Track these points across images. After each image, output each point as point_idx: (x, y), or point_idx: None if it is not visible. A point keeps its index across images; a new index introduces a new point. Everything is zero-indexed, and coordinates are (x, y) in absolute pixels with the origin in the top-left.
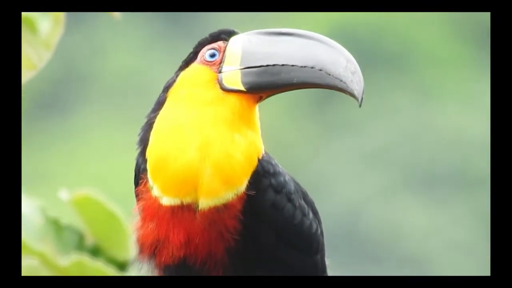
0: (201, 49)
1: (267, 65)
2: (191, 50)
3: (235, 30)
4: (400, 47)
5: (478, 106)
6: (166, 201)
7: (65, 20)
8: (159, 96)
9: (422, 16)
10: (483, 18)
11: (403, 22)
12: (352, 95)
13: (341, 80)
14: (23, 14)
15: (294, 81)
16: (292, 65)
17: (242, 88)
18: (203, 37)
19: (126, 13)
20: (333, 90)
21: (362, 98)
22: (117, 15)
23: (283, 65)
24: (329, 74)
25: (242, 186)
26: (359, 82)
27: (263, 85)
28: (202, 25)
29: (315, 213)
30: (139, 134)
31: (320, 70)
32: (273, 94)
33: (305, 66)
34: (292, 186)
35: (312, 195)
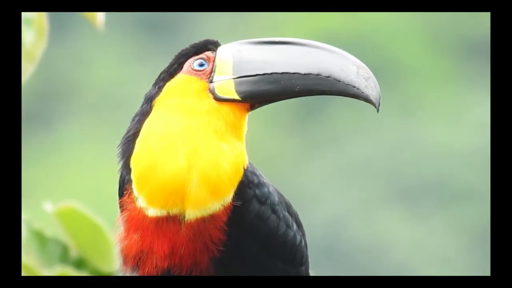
0: (185, 60)
1: (264, 74)
2: (170, 61)
3: (219, 41)
4: (381, 60)
5: (460, 119)
6: (152, 212)
7: (48, 32)
8: (142, 107)
9: (403, 27)
10: (465, 31)
11: (385, 35)
12: (368, 100)
13: (354, 86)
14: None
15: (297, 89)
16: (294, 73)
17: (236, 97)
18: (184, 48)
19: (108, 25)
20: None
21: (379, 103)
22: (100, 26)
23: (282, 73)
24: (339, 81)
25: (229, 196)
26: (374, 88)
27: (260, 94)
28: (183, 38)
29: (299, 225)
30: (121, 145)
31: (328, 77)
32: (270, 103)
33: (309, 74)
34: (276, 197)
35: (295, 207)
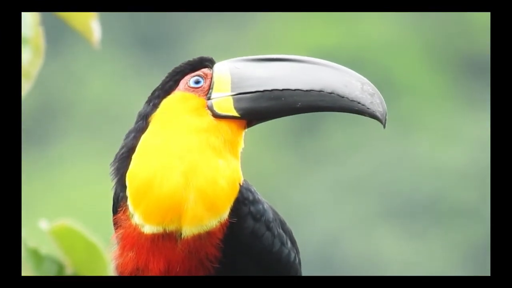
0: (181, 77)
1: (264, 90)
2: (164, 79)
3: (213, 58)
4: (377, 77)
5: (456, 137)
6: (148, 229)
7: (44, 51)
8: (137, 124)
9: (398, 44)
10: (463, 48)
11: (379, 50)
12: (374, 116)
13: (359, 102)
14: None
15: (298, 105)
16: (295, 89)
17: (235, 114)
18: (178, 65)
19: (104, 43)
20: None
21: (385, 119)
22: (96, 43)
23: (283, 89)
24: (343, 97)
25: (225, 213)
26: (379, 104)
27: (260, 110)
28: (178, 55)
29: (293, 242)
30: (114, 162)
31: (331, 93)
32: (269, 119)
33: (311, 90)
34: (270, 214)
35: (289, 224)
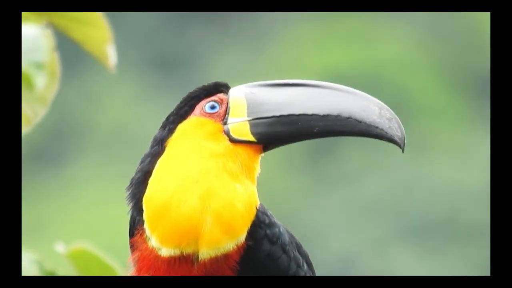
0: (196, 102)
1: (280, 115)
2: (179, 104)
3: (228, 83)
4: (392, 98)
5: (471, 156)
6: (165, 252)
7: (60, 75)
8: (153, 148)
9: (414, 65)
10: (477, 69)
11: (395, 72)
12: (392, 141)
13: (377, 127)
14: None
15: (315, 130)
16: (312, 114)
17: (252, 138)
18: (193, 90)
19: (120, 65)
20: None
21: (404, 144)
22: (111, 67)
23: (299, 114)
24: (360, 122)
25: (242, 236)
26: (398, 128)
27: (277, 135)
28: (194, 78)
29: (310, 264)
30: (130, 187)
31: (348, 118)
32: (285, 144)
33: (328, 115)
34: (286, 237)
35: (305, 246)
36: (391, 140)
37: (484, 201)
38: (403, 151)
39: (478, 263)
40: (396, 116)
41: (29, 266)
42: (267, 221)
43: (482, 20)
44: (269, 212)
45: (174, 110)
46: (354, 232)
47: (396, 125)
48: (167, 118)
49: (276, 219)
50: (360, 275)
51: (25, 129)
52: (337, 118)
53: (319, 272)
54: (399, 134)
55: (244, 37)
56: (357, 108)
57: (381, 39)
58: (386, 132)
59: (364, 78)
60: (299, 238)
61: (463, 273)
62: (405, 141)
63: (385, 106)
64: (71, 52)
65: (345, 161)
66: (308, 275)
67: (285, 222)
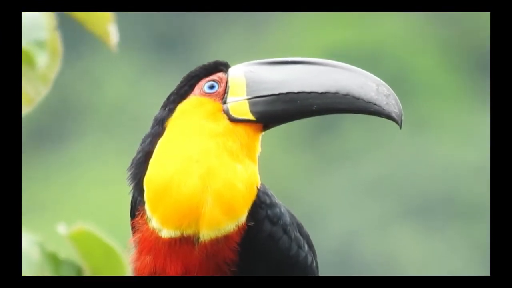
0: (196, 82)
1: (279, 94)
2: (179, 83)
3: (228, 62)
4: (394, 76)
5: (472, 135)
6: (166, 233)
7: (62, 54)
8: (153, 129)
9: (415, 44)
10: (479, 47)
11: (396, 51)
12: (390, 117)
13: (375, 104)
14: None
15: (314, 108)
16: (310, 92)
17: (252, 117)
18: (193, 69)
19: (121, 45)
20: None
21: (401, 120)
22: (113, 46)
23: (298, 92)
24: (358, 99)
25: (243, 217)
26: (395, 105)
27: (276, 114)
28: (195, 56)
29: (311, 245)
30: (131, 167)
31: (346, 95)
32: (285, 122)
33: (326, 92)
34: (287, 218)
35: (306, 226)
36: (388, 116)
37: (485, 179)
38: (400, 128)
39: (479, 241)
40: (394, 93)
41: (30, 248)
42: (268, 201)
43: None
44: (270, 192)
45: (174, 90)
46: (355, 211)
47: (393, 102)
48: (168, 98)
49: (277, 199)
50: (361, 254)
51: (26, 108)
52: (335, 96)
53: (319, 252)
54: (396, 110)
55: (245, 16)
56: (355, 85)
57: (381, 17)
58: (384, 109)
59: (364, 56)
60: (299, 218)
61: (464, 250)
62: (403, 118)
63: (383, 82)
64: (72, 31)
65: (346, 140)
66: (309, 256)
67: (286, 202)
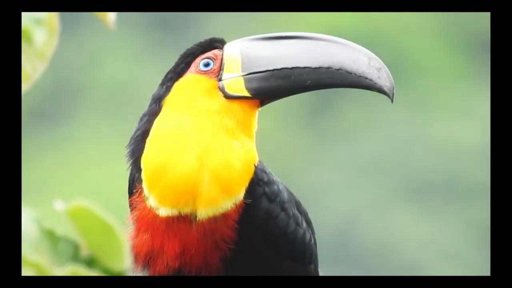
0: (192, 59)
1: (274, 69)
2: (177, 61)
3: (224, 38)
4: (392, 56)
5: (471, 116)
6: (163, 211)
7: (59, 31)
8: (150, 107)
9: (414, 25)
10: (477, 27)
11: (395, 31)
12: (381, 91)
13: (366, 78)
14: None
15: (308, 83)
16: (304, 67)
17: (247, 94)
18: (190, 47)
19: (119, 23)
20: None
21: (393, 94)
22: (110, 24)
23: (292, 68)
24: (351, 73)
25: (240, 194)
26: (387, 78)
27: (271, 90)
28: (194, 35)
29: (309, 223)
30: (129, 145)
31: (339, 70)
32: (280, 98)
33: (319, 67)
34: (285, 195)
35: (305, 206)
36: (380, 90)
37: (485, 159)
38: (392, 101)
39: (478, 221)
40: (385, 66)
41: (28, 224)
42: (265, 179)
43: None
44: (268, 169)
45: (172, 68)
46: (353, 191)
47: (385, 75)
48: (166, 76)
49: (275, 176)
50: (360, 234)
51: (24, 85)
52: (328, 70)
53: (318, 232)
54: (387, 84)
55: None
56: (347, 60)
57: None
58: (375, 83)
59: (363, 37)
60: (298, 197)
61: (462, 231)
62: (394, 91)
63: (374, 56)
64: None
65: (345, 119)
66: (307, 233)
67: (284, 181)
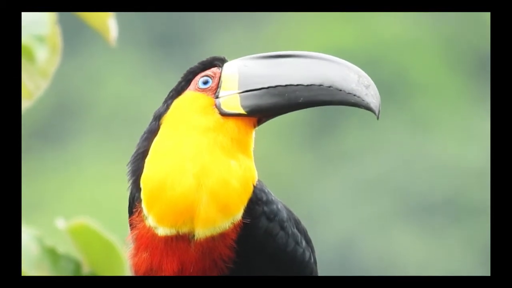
0: (193, 77)
1: (268, 87)
2: (180, 78)
3: (226, 57)
4: (394, 76)
5: (471, 136)
6: (162, 231)
7: (61, 49)
8: (150, 125)
9: (415, 45)
10: (478, 47)
11: (396, 52)
12: (368, 108)
13: (355, 95)
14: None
15: (300, 101)
16: (297, 85)
17: (242, 111)
18: (192, 65)
19: (121, 40)
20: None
21: (379, 111)
22: (112, 41)
23: (286, 85)
24: (340, 90)
25: (238, 214)
26: (374, 95)
27: (266, 107)
28: (196, 55)
29: (308, 241)
30: (130, 163)
31: (330, 87)
32: (276, 116)
33: (311, 85)
34: (284, 214)
35: (306, 225)
36: (367, 107)
37: (485, 179)
38: (377, 118)
39: (479, 241)
40: (373, 83)
41: (29, 242)
42: (264, 198)
43: None
44: (267, 189)
45: (175, 86)
46: (355, 210)
47: (372, 92)
48: (168, 94)
49: (274, 196)
50: (361, 253)
51: (26, 103)
52: (320, 88)
53: (320, 251)
54: (374, 101)
55: (245, 14)
56: (338, 77)
57: (382, 17)
58: (363, 100)
59: (364, 56)
60: (298, 216)
61: (463, 251)
62: (380, 108)
63: (364, 73)
64: (72, 26)
65: (346, 139)
66: (306, 251)
67: (286, 202)
